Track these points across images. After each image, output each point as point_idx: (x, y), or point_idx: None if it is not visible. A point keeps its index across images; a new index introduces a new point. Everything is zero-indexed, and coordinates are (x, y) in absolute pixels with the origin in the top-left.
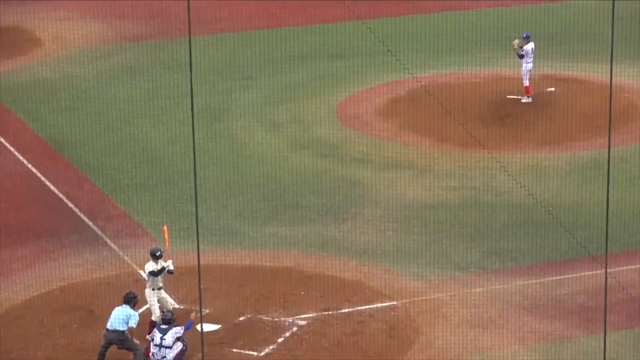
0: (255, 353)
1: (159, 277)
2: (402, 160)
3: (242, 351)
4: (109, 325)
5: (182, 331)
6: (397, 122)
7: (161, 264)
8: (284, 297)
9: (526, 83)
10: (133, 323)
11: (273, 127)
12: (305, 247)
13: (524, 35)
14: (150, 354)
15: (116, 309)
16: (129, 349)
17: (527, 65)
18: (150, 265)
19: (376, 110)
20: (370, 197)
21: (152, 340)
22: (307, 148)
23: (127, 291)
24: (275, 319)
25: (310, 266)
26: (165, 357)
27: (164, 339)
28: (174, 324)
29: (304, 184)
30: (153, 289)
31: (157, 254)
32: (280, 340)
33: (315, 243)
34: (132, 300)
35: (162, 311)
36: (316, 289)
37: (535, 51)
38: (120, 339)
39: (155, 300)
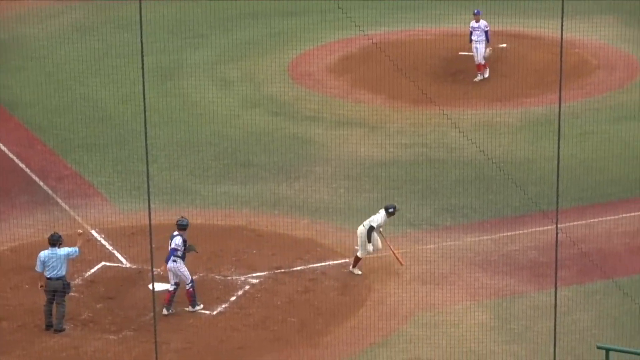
0: (207, 312)
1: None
2: (354, 118)
3: (194, 310)
4: (50, 274)
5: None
6: (349, 80)
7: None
8: (236, 256)
9: (480, 61)
10: (74, 254)
11: (224, 86)
12: (257, 206)
13: (475, 12)
14: None
15: (45, 254)
16: (60, 300)
17: (478, 42)
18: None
19: (328, 68)
20: (322, 155)
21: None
22: (258, 106)
23: (52, 232)
24: (228, 278)
25: (263, 224)
26: (175, 261)
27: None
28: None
29: (256, 142)
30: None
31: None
32: (232, 298)
33: (267, 201)
34: (58, 240)
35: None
36: (268, 247)
37: (489, 28)
38: (62, 285)
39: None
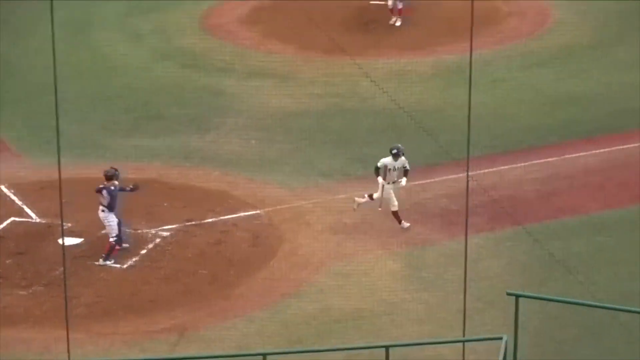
0: (118, 265)
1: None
2: (265, 69)
3: (104, 264)
4: None
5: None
6: (260, 31)
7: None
8: (147, 209)
9: (397, 5)
10: None
11: (136, 38)
12: (169, 159)
13: None
14: None
15: None
16: None
17: None
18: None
19: (239, 19)
20: (234, 107)
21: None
22: (170, 59)
23: None
24: (138, 231)
25: (174, 177)
26: (103, 210)
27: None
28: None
29: (167, 94)
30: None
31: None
32: (143, 252)
33: (179, 154)
34: None
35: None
36: (180, 199)
37: None
38: None
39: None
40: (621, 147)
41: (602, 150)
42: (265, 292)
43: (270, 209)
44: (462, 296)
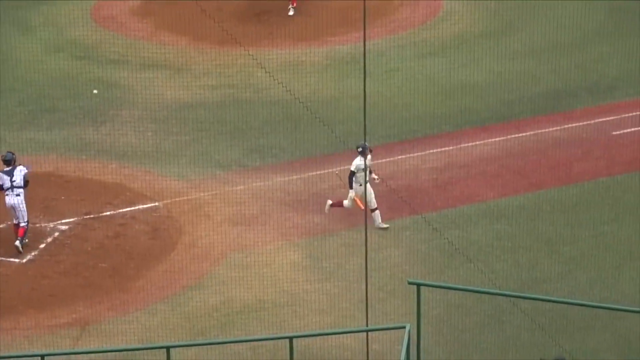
0: (17, 260)
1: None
2: (159, 60)
3: (3, 259)
4: None
5: (25, 169)
6: (152, 22)
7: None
8: (44, 203)
9: None
10: None
11: (27, 31)
12: (64, 151)
13: None
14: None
15: None
16: None
17: None
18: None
19: (131, 11)
20: (128, 98)
21: (3, 185)
22: (62, 51)
23: None
24: (37, 225)
25: (70, 170)
26: (19, 195)
27: (14, 180)
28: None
29: (61, 87)
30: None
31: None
32: (42, 246)
33: (74, 147)
34: None
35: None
36: (77, 193)
37: None
38: None
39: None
40: (516, 135)
41: (497, 139)
42: (166, 284)
43: (168, 201)
44: (363, 286)
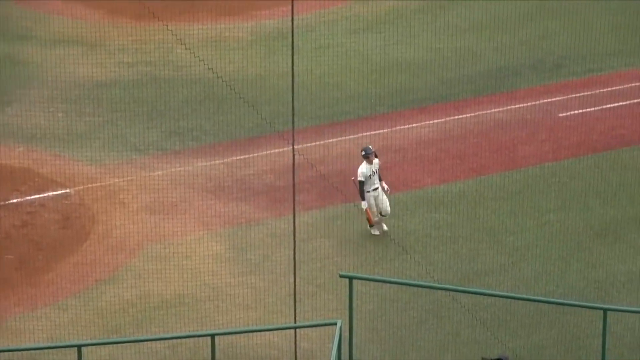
0: None
1: None
2: (70, 36)
3: None
4: None
5: None
6: None
7: None
8: None
9: None
10: None
11: None
12: None
13: None
14: None
15: None
16: None
17: None
18: None
19: None
20: (37, 77)
21: None
22: None
23: None
24: None
25: None
26: None
27: None
28: None
29: None
30: None
31: None
32: None
33: None
34: None
35: None
36: None
37: None
38: None
39: None
40: (456, 117)
41: (435, 121)
42: (77, 278)
43: (80, 187)
44: (291, 279)
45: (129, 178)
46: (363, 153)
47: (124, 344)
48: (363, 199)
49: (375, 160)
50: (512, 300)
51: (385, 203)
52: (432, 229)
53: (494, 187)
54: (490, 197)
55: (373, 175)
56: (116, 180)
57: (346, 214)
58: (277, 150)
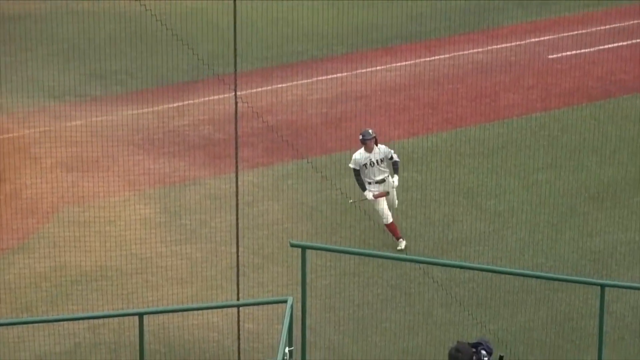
0: None
1: None
2: None
3: None
4: None
5: None
6: None
7: None
8: None
9: None
10: None
11: None
12: None
13: None
14: None
15: None
16: None
17: None
18: None
19: None
20: None
21: None
22: None
23: None
24: None
25: None
26: None
27: None
28: None
29: None
30: None
31: None
32: None
33: None
34: None
35: None
36: None
37: None
38: None
39: None
40: (427, 58)
41: (403, 63)
42: None
43: None
44: (234, 249)
45: (42, 129)
46: (360, 137)
47: (36, 325)
48: (364, 189)
49: (381, 148)
50: (494, 274)
51: (384, 208)
52: (400, 191)
53: (472, 141)
54: (468, 153)
55: (372, 166)
56: (27, 131)
57: (298, 172)
58: (216, 97)
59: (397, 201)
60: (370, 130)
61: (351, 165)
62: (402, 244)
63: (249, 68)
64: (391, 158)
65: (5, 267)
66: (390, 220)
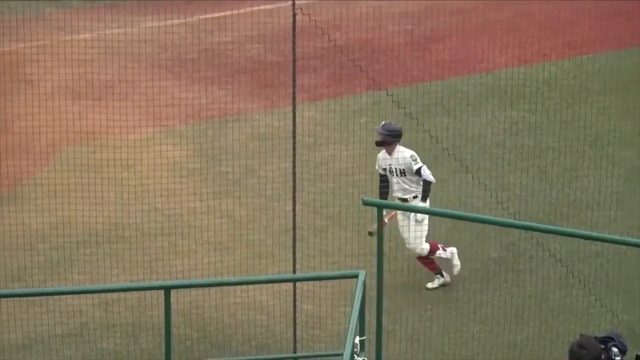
0: None
1: None
2: None
3: None
4: None
5: None
6: None
7: None
8: None
9: None
10: None
11: None
12: None
13: None
14: None
15: None
16: None
17: None
18: None
19: None
20: None
21: None
22: None
23: None
24: None
25: None
26: None
27: None
28: None
29: None
30: None
31: None
32: None
33: None
34: None
35: None
36: None
37: None
38: None
39: None
40: None
41: None
42: None
43: None
44: (290, 206)
45: (39, 42)
46: (378, 128)
47: (30, 298)
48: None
49: (401, 154)
50: (628, 247)
51: (406, 234)
52: (485, 158)
53: (602, 72)
54: (597, 89)
55: (392, 175)
56: (20, 45)
57: (374, 107)
58: (268, 7)
59: (419, 245)
60: (390, 123)
61: (376, 167)
62: (437, 281)
63: None
64: (417, 173)
65: None
66: (425, 252)
